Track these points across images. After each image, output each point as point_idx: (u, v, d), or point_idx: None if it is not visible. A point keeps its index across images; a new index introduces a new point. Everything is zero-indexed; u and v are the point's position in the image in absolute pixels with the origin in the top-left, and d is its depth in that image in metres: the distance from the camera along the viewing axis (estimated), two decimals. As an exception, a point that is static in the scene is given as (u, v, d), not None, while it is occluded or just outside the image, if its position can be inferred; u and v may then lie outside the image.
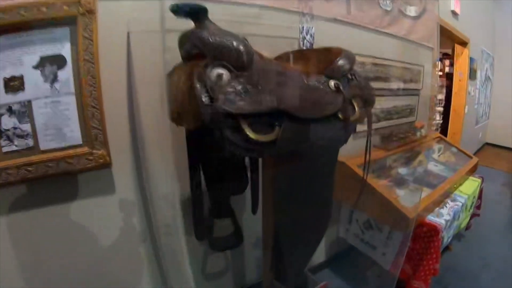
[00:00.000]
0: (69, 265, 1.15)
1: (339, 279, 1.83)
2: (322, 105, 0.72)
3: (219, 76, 0.62)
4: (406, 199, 1.42)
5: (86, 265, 1.19)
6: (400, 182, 1.66)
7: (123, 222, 1.23)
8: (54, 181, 1.06)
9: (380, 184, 1.52)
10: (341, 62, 0.79)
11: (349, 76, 0.81)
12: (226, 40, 0.64)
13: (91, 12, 1.00)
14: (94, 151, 1.06)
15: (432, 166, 1.92)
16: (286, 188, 0.74)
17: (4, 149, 1.00)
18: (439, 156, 2.09)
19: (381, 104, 1.85)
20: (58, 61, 1.00)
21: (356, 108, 0.81)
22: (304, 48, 1.48)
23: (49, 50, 0.98)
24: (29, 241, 1.10)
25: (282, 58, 0.97)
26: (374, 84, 1.76)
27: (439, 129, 2.39)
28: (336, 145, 0.80)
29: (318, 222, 0.86)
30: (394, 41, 1.83)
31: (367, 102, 0.86)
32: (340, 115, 0.75)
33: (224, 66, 0.63)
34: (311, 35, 1.49)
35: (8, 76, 0.96)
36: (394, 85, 1.91)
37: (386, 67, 1.82)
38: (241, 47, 0.64)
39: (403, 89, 2.00)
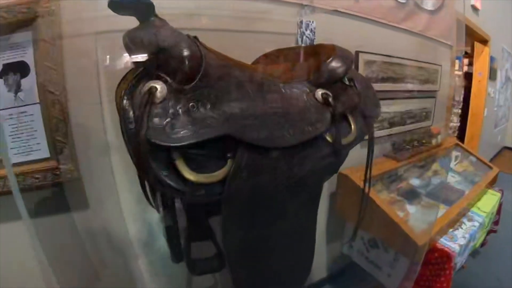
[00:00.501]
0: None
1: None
2: (302, 125, 0.55)
3: (151, 91, 0.45)
4: (418, 217, 1.25)
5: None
6: (411, 195, 1.49)
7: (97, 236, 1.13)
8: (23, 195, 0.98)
9: (386, 201, 1.35)
10: (333, 64, 0.62)
11: (346, 83, 0.65)
12: (162, 41, 0.46)
13: (52, 14, 0.89)
14: (61, 166, 0.97)
15: (449, 177, 1.72)
16: (240, 245, 0.56)
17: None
18: (455, 165, 1.88)
19: (393, 108, 1.65)
20: (21, 68, 0.91)
21: (353, 126, 0.64)
22: (303, 45, 1.31)
23: (11, 57, 0.90)
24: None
25: (265, 59, 0.81)
26: (386, 86, 1.57)
27: (456, 132, 2.15)
28: (320, 179, 0.62)
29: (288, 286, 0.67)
30: (409, 38, 1.62)
31: (369, 116, 0.69)
32: (328, 137, 0.59)
33: (159, 78, 0.47)
34: (311, 30, 1.32)
35: (-32, 85, 0.88)
36: (409, 86, 1.69)
37: (400, 66, 1.61)
38: (184, 50, 0.47)
39: (419, 91, 1.78)
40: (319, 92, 0.60)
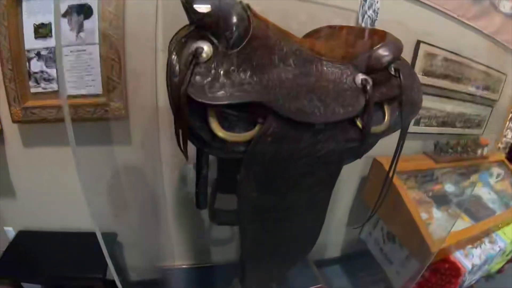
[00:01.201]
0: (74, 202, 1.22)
1: (345, 280, 1.72)
2: (334, 105, 0.54)
3: (198, 51, 0.47)
4: (441, 224, 1.21)
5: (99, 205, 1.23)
6: (441, 200, 1.42)
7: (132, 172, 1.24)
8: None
9: (414, 199, 1.31)
10: (379, 52, 0.60)
11: (391, 72, 0.62)
12: (214, 4, 0.47)
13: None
14: (111, 103, 1.06)
15: (483, 193, 1.60)
16: (253, 206, 0.59)
17: (32, 90, 1.05)
18: (495, 182, 1.73)
19: (445, 107, 1.53)
20: (84, 10, 0.97)
21: (387, 116, 0.62)
22: (363, 25, 1.24)
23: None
24: (44, 172, 1.22)
25: (316, 34, 0.79)
26: (443, 83, 1.45)
27: (508, 150, 1.92)
28: (340, 160, 0.60)
29: (291, 255, 0.71)
30: (477, 38, 1.45)
31: (408, 110, 0.66)
32: (358, 122, 0.58)
33: (206, 39, 0.48)
34: (374, 10, 1.23)
35: (37, 23, 0.98)
36: (466, 88, 1.55)
37: (462, 65, 1.47)
38: (233, 17, 0.48)
39: (476, 96, 1.62)
40: (360, 77, 0.58)
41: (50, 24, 0.98)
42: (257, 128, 0.50)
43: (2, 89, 1.02)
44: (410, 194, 1.41)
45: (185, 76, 0.46)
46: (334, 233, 1.74)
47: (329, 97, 0.54)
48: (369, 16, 1.22)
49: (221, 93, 0.47)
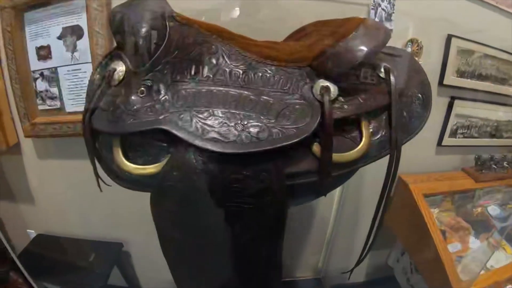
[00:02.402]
0: (87, 211, 1.29)
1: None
2: (272, 127, 0.40)
3: (108, 73, 0.44)
4: (475, 257, 0.97)
5: (103, 214, 1.30)
6: (482, 226, 1.16)
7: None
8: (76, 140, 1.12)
9: (446, 225, 1.09)
10: (350, 44, 0.43)
11: (380, 74, 0.46)
12: (125, 21, 0.43)
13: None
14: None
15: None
16: (179, 249, 0.48)
17: (39, 107, 1.11)
18: None
19: (487, 114, 1.25)
20: (76, 31, 1.00)
21: (364, 138, 0.44)
22: (377, 19, 1.08)
23: (69, 21, 0.99)
24: (57, 182, 1.28)
25: (297, 35, 0.67)
26: (483, 85, 1.18)
27: None
28: (280, 204, 0.43)
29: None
30: None
31: (404, 127, 0.47)
32: (314, 148, 0.42)
33: (120, 59, 0.44)
34: (389, 2, 1.06)
35: (38, 45, 1.03)
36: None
37: (507, 63, 1.19)
38: (139, 32, 0.41)
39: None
40: (320, 84, 0.43)
41: (49, 46, 1.02)
42: (165, 159, 0.42)
43: (14, 107, 1.10)
44: (444, 219, 1.19)
45: (90, 102, 0.43)
46: (357, 257, 1.57)
47: (267, 115, 0.41)
48: (383, 9, 1.06)
49: (122, 120, 0.41)
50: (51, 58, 1.04)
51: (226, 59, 0.46)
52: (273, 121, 0.40)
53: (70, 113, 1.10)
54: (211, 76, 0.44)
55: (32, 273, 1.21)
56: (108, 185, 0.49)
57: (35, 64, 1.06)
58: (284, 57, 0.47)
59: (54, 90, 1.08)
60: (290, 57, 0.47)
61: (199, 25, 0.48)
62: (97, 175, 0.48)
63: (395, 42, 1.07)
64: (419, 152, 1.27)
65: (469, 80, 1.15)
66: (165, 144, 0.42)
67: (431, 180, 1.19)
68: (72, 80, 1.05)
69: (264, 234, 0.46)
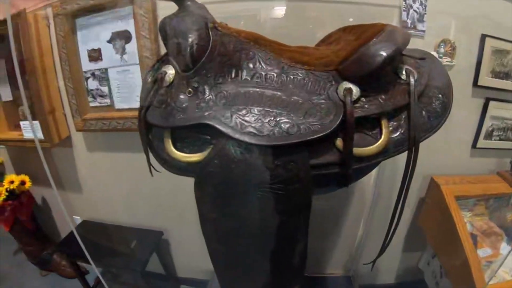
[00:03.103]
0: (131, 200, 1.42)
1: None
2: (300, 124, 0.46)
3: (160, 76, 0.52)
4: (506, 264, 0.96)
5: (145, 204, 1.42)
6: (516, 233, 1.14)
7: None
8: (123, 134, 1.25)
9: (481, 229, 1.08)
10: (371, 49, 0.47)
11: (400, 76, 0.51)
12: (175, 29, 0.50)
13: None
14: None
15: None
16: (216, 227, 0.55)
17: (91, 104, 1.24)
18: None
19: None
20: (125, 36, 1.11)
21: (383, 135, 0.49)
22: (409, 22, 1.09)
23: (118, 26, 1.10)
24: (104, 173, 1.42)
25: (326, 40, 0.71)
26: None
27: None
28: (306, 191, 0.49)
29: (270, 284, 0.60)
30: None
31: (422, 125, 0.51)
32: (338, 142, 0.48)
33: (170, 63, 0.52)
34: (421, 3, 1.06)
35: (89, 48, 1.15)
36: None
37: None
38: (187, 40, 0.49)
39: None
40: (343, 86, 0.48)
41: (99, 49, 1.15)
42: (208, 149, 0.50)
43: (67, 103, 1.25)
44: (476, 223, 1.18)
45: (145, 100, 0.52)
46: (388, 258, 1.57)
47: (296, 113, 0.47)
48: (415, 11, 1.07)
49: (172, 116, 0.49)
50: (101, 59, 1.16)
51: (262, 64, 0.52)
52: (301, 118, 0.46)
53: (118, 110, 1.22)
54: (249, 78, 0.51)
55: (75, 256, 1.36)
56: (158, 171, 0.58)
57: (86, 65, 1.19)
58: (314, 62, 0.53)
59: (105, 88, 1.20)
60: (319, 61, 0.53)
61: (238, 33, 0.54)
62: (149, 163, 0.56)
63: (428, 43, 1.08)
64: (453, 154, 1.27)
65: (504, 81, 1.13)
66: (208, 137, 0.50)
67: (464, 182, 1.18)
68: (121, 80, 1.17)
69: (291, 220, 0.52)
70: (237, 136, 0.46)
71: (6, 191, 1.27)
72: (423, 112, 0.51)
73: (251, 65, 0.52)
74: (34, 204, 1.49)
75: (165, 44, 0.55)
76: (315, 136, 0.45)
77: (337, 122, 0.46)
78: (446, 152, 1.25)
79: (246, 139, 0.45)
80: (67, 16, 1.10)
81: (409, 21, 1.09)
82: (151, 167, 0.58)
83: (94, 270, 1.40)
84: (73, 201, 1.53)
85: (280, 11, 1.09)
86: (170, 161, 0.52)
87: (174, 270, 1.60)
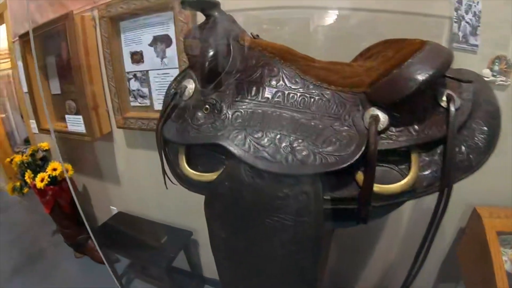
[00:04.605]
0: (164, 198, 1.43)
1: None
2: (316, 152, 0.42)
3: (180, 90, 0.51)
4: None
5: (178, 203, 1.43)
6: None
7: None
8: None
9: (506, 271, 0.95)
10: (406, 70, 0.40)
11: (440, 103, 0.43)
12: (197, 44, 0.49)
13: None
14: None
15: None
16: (226, 245, 0.52)
17: (132, 104, 1.29)
18: None
19: None
20: (165, 40, 1.13)
21: (412, 172, 0.41)
22: (460, 34, 0.99)
23: (159, 31, 1.13)
24: (140, 169, 1.46)
25: (365, 55, 0.66)
26: None
27: None
28: (317, 225, 0.43)
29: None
30: None
31: (460, 164, 0.43)
32: (358, 176, 0.42)
33: (191, 77, 0.51)
34: (474, 14, 0.95)
35: (132, 50, 1.19)
36: None
37: None
38: (206, 54, 0.47)
39: None
40: (370, 113, 0.42)
41: (141, 52, 1.18)
42: (221, 169, 0.47)
43: (110, 101, 1.31)
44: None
45: (163, 114, 0.51)
46: (423, 284, 1.45)
47: (314, 140, 0.43)
48: (467, 22, 0.96)
49: (186, 132, 0.48)
50: (143, 62, 1.20)
51: (286, 82, 0.48)
52: (319, 146, 0.42)
53: (157, 111, 1.24)
54: (269, 97, 0.48)
55: (107, 244, 1.41)
56: (174, 183, 0.57)
57: (129, 66, 1.23)
58: (342, 81, 0.48)
59: (145, 90, 1.24)
60: (348, 81, 0.48)
61: (263, 47, 0.51)
62: (164, 173, 0.55)
63: (480, 60, 0.96)
64: (499, 183, 1.12)
65: None
66: (223, 156, 0.47)
67: (510, 216, 1.04)
68: (161, 82, 1.19)
69: (300, 251, 0.48)
70: (249, 160, 0.43)
71: (49, 177, 1.36)
72: (463, 148, 0.44)
73: (273, 83, 0.49)
74: (75, 190, 1.59)
75: (188, 56, 0.53)
76: (329, 169, 0.40)
77: (357, 155, 0.40)
78: (492, 181, 1.10)
79: (258, 164, 0.42)
80: (112, 18, 1.15)
81: (460, 34, 0.98)
82: (166, 177, 0.57)
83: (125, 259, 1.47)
84: (111, 192, 1.61)
85: (330, 19, 1.04)
86: (183, 176, 0.51)
87: (200, 270, 1.62)
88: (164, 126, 0.51)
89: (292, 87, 0.48)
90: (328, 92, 0.47)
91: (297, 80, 0.48)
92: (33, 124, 1.61)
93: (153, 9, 1.09)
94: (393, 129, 0.42)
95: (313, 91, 0.47)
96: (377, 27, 0.97)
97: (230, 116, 0.47)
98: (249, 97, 0.48)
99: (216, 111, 0.47)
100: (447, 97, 0.43)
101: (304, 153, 0.42)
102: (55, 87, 1.43)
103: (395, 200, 0.43)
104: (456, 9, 0.95)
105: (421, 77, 0.40)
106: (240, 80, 0.49)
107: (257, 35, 0.61)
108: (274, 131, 0.44)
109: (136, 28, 1.15)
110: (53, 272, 1.55)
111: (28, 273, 1.56)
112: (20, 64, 1.49)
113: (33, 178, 1.40)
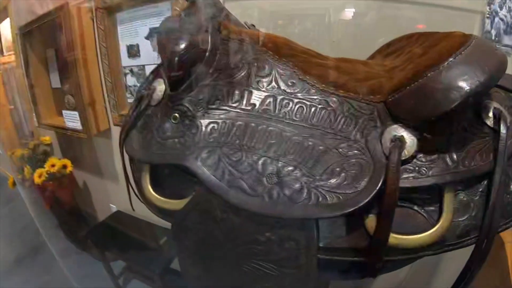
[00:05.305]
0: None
1: None
2: (312, 186, 0.30)
3: (150, 92, 0.39)
4: None
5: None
6: None
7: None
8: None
9: None
10: (447, 76, 0.28)
11: (486, 121, 0.31)
12: (171, 29, 0.37)
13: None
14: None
15: None
16: (197, 281, 0.40)
17: (129, 100, 1.20)
18: None
19: None
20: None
21: (443, 217, 0.29)
22: (493, 32, 0.84)
23: (156, 22, 1.02)
24: None
25: (384, 51, 0.53)
26: None
27: None
28: (308, 279, 0.32)
29: None
30: None
31: (504, 209, 0.31)
32: (367, 222, 0.30)
33: (162, 77, 0.40)
34: (509, 10, 0.80)
35: (128, 44, 1.09)
36: None
37: None
38: (180, 44, 0.35)
39: None
40: (392, 133, 0.30)
41: (137, 45, 1.08)
42: (190, 196, 0.36)
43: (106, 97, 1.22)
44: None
45: (125, 124, 0.40)
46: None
47: (310, 169, 0.30)
48: (501, 19, 0.81)
49: (150, 148, 0.37)
50: (139, 56, 1.10)
51: (280, 83, 0.36)
52: (316, 177, 0.30)
53: None
54: (256, 104, 0.36)
55: (102, 243, 1.34)
56: (142, 202, 0.46)
57: (126, 60, 1.13)
58: (354, 85, 0.35)
59: (141, 85, 1.15)
60: (362, 84, 0.35)
61: (254, 38, 0.39)
62: (129, 193, 0.45)
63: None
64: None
65: None
66: (195, 179, 0.36)
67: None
68: (157, 77, 1.10)
69: None
70: (220, 191, 0.31)
71: (47, 173, 1.29)
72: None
73: (262, 85, 0.37)
74: (74, 187, 1.52)
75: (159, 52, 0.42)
76: (328, 215, 0.28)
77: (370, 196, 0.28)
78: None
79: (230, 197, 0.31)
80: (108, 10, 1.05)
81: (493, 32, 0.83)
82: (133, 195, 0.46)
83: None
84: (110, 190, 1.53)
85: (349, 12, 0.92)
86: (147, 200, 0.40)
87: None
88: (127, 138, 0.40)
89: (287, 90, 0.36)
90: (334, 99, 0.34)
91: (294, 81, 0.36)
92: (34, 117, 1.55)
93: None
94: (423, 157, 0.30)
95: (315, 96, 0.35)
96: (399, 22, 0.84)
97: (203, 128, 0.35)
98: (229, 104, 0.36)
99: (187, 121, 0.36)
100: (494, 114, 0.30)
101: (295, 186, 0.30)
102: (55, 81, 1.36)
103: (416, 254, 0.30)
104: (489, 3, 0.79)
105: (469, 85, 0.27)
106: (219, 81, 0.37)
107: (253, 25, 0.49)
108: (257, 152, 0.32)
109: (132, 20, 1.05)
110: (54, 264, 1.51)
111: (29, 264, 1.53)
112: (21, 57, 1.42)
113: (32, 174, 1.34)
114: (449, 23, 0.83)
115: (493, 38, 0.82)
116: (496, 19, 0.83)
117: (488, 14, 0.81)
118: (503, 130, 0.29)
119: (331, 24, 0.91)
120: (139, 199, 0.42)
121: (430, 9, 0.83)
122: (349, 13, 0.91)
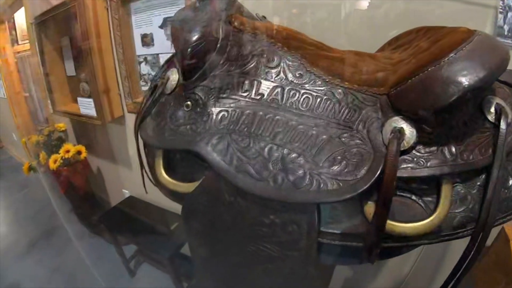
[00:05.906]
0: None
1: None
2: (315, 173, 0.31)
3: (164, 81, 0.41)
4: None
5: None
6: None
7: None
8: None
9: None
10: (448, 71, 0.28)
11: (487, 115, 0.31)
12: (182, 23, 0.39)
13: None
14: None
15: None
16: (207, 266, 0.44)
17: (143, 88, 1.23)
18: None
19: None
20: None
21: (440, 207, 0.31)
22: (506, 27, 0.82)
23: (170, 11, 1.03)
24: None
25: (393, 44, 0.51)
26: None
27: None
28: (307, 262, 0.34)
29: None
30: None
31: (499, 203, 0.31)
32: (367, 208, 0.31)
33: (176, 66, 0.42)
34: (523, 3, 0.79)
35: (142, 33, 1.11)
36: None
37: None
38: (193, 35, 0.37)
39: None
40: (392, 125, 0.31)
41: (151, 34, 1.10)
42: (201, 180, 0.38)
43: (121, 85, 1.24)
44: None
45: (140, 111, 0.42)
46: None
47: (314, 156, 0.32)
48: (515, 14, 0.79)
49: (162, 134, 0.39)
50: (153, 45, 1.11)
51: (288, 74, 0.38)
52: (318, 165, 0.32)
53: None
54: (265, 94, 0.37)
55: (115, 227, 1.39)
56: (155, 185, 0.48)
57: (140, 49, 1.15)
58: (359, 77, 0.36)
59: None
60: (367, 76, 0.36)
61: (264, 30, 0.41)
62: (143, 176, 0.47)
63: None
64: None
65: None
66: (205, 164, 0.38)
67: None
68: (172, 67, 1.12)
69: (297, 279, 0.38)
70: (229, 175, 0.33)
71: (61, 159, 1.34)
72: (510, 181, 0.32)
73: (271, 76, 0.38)
74: (88, 172, 1.57)
75: (173, 42, 0.43)
76: (328, 200, 0.30)
77: (369, 183, 0.29)
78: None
79: (239, 182, 0.33)
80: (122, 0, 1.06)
81: (506, 28, 0.81)
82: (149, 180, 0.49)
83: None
84: (123, 176, 1.58)
85: (365, 2, 0.90)
86: (160, 183, 0.42)
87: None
88: (142, 124, 0.42)
89: (295, 81, 0.37)
90: (339, 90, 0.35)
91: (301, 72, 0.37)
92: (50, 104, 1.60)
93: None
94: (422, 148, 0.31)
95: (321, 88, 0.36)
96: (411, 15, 0.83)
97: (214, 116, 0.37)
98: (239, 93, 0.38)
99: (198, 109, 0.38)
100: (496, 109, 0.31)
101: (298, 172, 0.32)
102: (70, 69, 1.39)
103: (412, 243, 0.32)
104: (502, -2, 0.78)
105: (468, 80, 0.27)
106: (229, 71, 0.38)
107: (264, 17, 0.50)
108: (264, 139, 0.34)
109: (146, 9, 1.06)
110: (66, 247, 1.57)
111: (42, 247, 1.59)
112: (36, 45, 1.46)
113: (47, 160, 1.39)
114: (462, 18, 0.81)
115: (505, 33, 0.80)
116: (509, 14, 0.80)
117: (501, 8, 0.79)
118: (503, 125, 0.30)
119: (346, 14, 0.91)
120: (152, 182, 0.44)
121: (443, 3, 0.82)
122: (364, 3, 0.90)
